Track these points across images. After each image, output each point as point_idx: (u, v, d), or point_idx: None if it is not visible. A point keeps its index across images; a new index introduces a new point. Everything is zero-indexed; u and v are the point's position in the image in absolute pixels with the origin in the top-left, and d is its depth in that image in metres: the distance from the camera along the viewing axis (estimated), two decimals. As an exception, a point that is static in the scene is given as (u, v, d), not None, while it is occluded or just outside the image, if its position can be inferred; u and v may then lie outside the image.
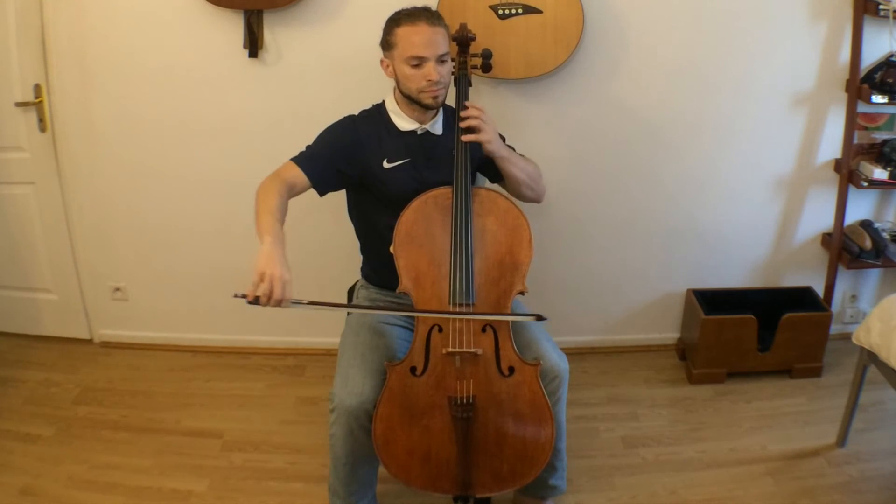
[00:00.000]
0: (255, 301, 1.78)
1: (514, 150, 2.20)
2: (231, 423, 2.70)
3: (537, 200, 2.27)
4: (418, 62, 2.00)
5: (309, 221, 2.89)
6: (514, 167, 2.15)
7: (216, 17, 2.62)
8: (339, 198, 2.23)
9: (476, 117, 2.04)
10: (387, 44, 2.06)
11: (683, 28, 2.67)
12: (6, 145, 2.88)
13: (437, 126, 2.17)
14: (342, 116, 2.19)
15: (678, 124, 2.81)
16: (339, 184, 2.16)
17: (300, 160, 2.07)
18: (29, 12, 2.66)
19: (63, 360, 3.06)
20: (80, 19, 2.65)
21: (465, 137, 2.05)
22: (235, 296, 1.80)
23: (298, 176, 2.04)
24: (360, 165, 2.12)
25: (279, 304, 1.77)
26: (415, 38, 1.98)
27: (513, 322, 2.03)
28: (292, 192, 2.04)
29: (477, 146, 2.11)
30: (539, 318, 1.94)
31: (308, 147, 2.13)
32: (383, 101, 2.19)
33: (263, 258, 1.81)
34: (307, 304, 1.86)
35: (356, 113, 2.20)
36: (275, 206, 1.94)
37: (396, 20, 2.03)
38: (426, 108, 2.10)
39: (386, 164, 2.12)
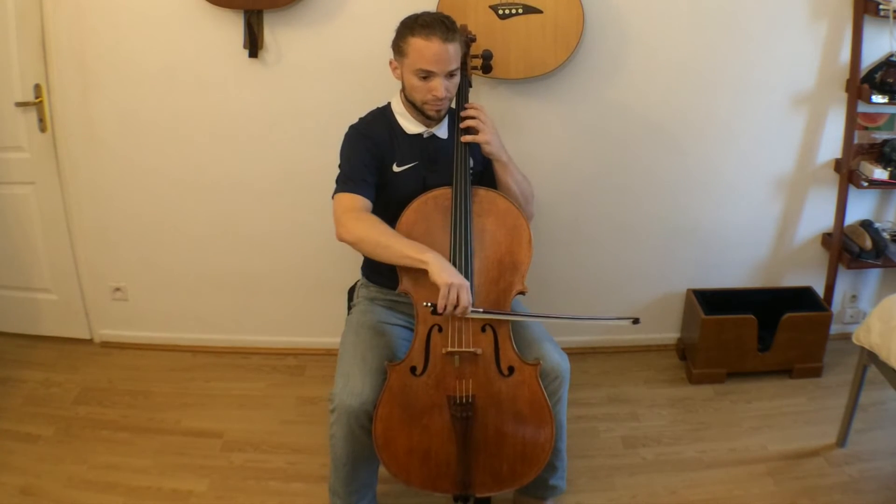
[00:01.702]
0: (441, 312, 1.88)
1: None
2: (231, 423, 2.69)
3: None
4: (426, 76, 1.99)
5: (309, 221, 2.89)
6: (511, 177, 2.13)
7: (216, 17, 2.62)
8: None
9: (475, 117, 2.05)
10: (398, 49, 2.03)
11: (684, 28, 2.67)
12: (6, 145, 2.88)
13: (442, 130, 2.17)
14: (345, 117, 2.17)
15: (678, 124, 2.81)
16: None
17: (351, 188, 2.02)
18: (29, 12, 2.67)
19: (63, 360, 3.05)
20: (80, 19, 2.65)
21: (465, 138, 2.05)
22: (425, 305, 1.92)
23: (364, 202, 2.02)
24: (381, 170, 2.11)
25: (464, 311, 1.87)
26: (426, 52, 1.95)
27: (513, 322, 2.03)
28: None
29: (478, 149, 2.11)
30: (635, 321, 1.98)
31: (344, 172, 2.07)
32: (388, 104, 2.18)
33: (446, 270, 1.87)
34: (483, 312, 1.95)
35: (360, 119, 2.17)
36: (390, 229, 1.96)
37: (411, 28, 1.98)
38: (427, 117, 2.10)
39: (396, 168, 2.12)
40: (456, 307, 1.86)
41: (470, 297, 1.88)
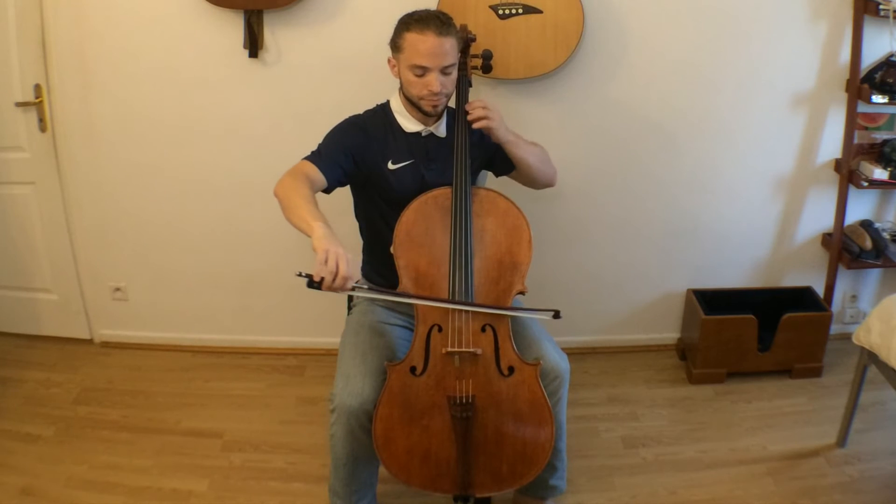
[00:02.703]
0: (318, 284, 1.72)
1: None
2: (231, 423, 2.70)
3: (550, 184, 2.27)
4: (421, 71, 1.99)
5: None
6: (523, 151, 2.15)
7: (216, 17, 2.62)
8: (339, 197, 2.23)
9: (481, 108, 2.06)
10: (395, 45, 2.04)
11: (684, 28, 2.67)
12: (6, 145, 2.88)
13: (441, 128, 2.17)
14: (346, 116, 2.18)
15: (678, 124, 2.81)
16: (346, 182, 2.15)
17: (314, 159, 2.05)
18: (29, 12, 2.67)
19: (63, 360, 3.06)
20: (80, 19, 2.65)
21: (477, 125, 2.06)
22: (299, 275, 1.74)
23: (316, 173, 2.01)
24: (367, 165, 2.12)
25: (344, 282, 1.72)
26: (421, 46, 1.96)
27: (513, 321, 2.03)
28: (313, 187, 2.00)
29: (479, 145, 2.12)
30: (556, 315, 1.96)
31: (319, 147, 2.11)
32: (388, 101, 2.19)
33: (324, 239, 1.74)
34: (367, 289, 1.81)
35: (360, 113, 2.19)
36: (309, 195, 1.90)
37: (407, 24, 1.99)
38: (425, 114, 2.10)
39: (391, 165, 2.13)
40: (336, 277, 1.71)
41: (350, 270, 1.72)
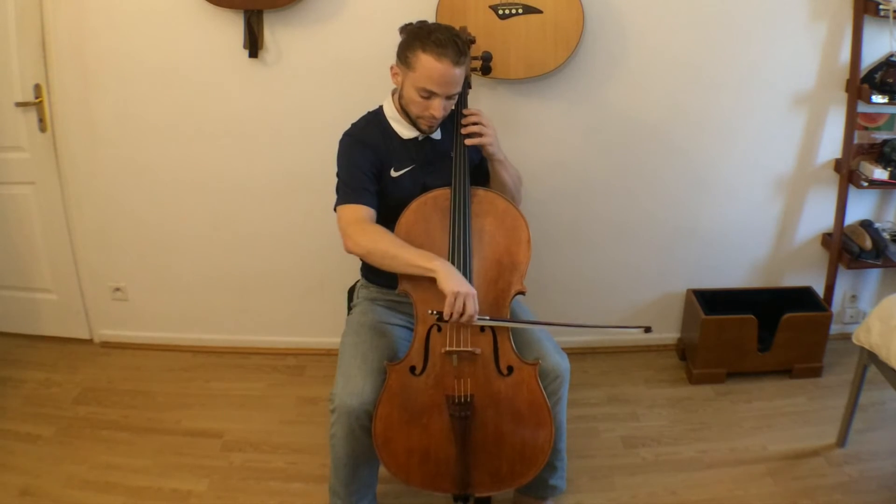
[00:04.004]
0: (447, 319, 1.88)
1: None
2: (231, 423, 2.70)
3: None
4: (428, 94, 1.98)
5: (309, 220, 2.89)
6: (506, 172, 2.16)
7: (216, 17, 2.62)
8: (332, 197, 2.22)
9: (477, 122, 2.06)
10: (405, 60, 1.99)
11: (684, 28, 2.67)
12: (6, 145, 2.88)
13: (436, 132, 2.17)
14: (345, 116, 2.16)
15: (678, 124, 2.81)
16: None
17: (352, 198, 2.03)
18: (29, 12, 2.67)
19: (63, 360, 3.06)
20: (80, 19, 2.65)
21: (469, 141, 2.06)
22: (430, 312, 1.92)
23: (368, 211, 2.03)
24: (379, 176, 2.11)
25: (470, 319, 1.88)
26: (434, 72, 1.93)
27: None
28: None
29: (475, 149, 2.12)
30: (647, 329, 2.01)
31: (344, 183, 2.07)
32: (380, 108, 2.17)
33: (453, 279, 1.87)
34: (489, 320, 1.95)
35: (352, 126, 2.16)
36: (397, 239, 1.98)
37: (424, 43, 1.93)
38: (419, 129, 2.10)
39: (393, 173, 2.12)
40: (462, 315, 1.87)
41: (476, 306, 1.88)
